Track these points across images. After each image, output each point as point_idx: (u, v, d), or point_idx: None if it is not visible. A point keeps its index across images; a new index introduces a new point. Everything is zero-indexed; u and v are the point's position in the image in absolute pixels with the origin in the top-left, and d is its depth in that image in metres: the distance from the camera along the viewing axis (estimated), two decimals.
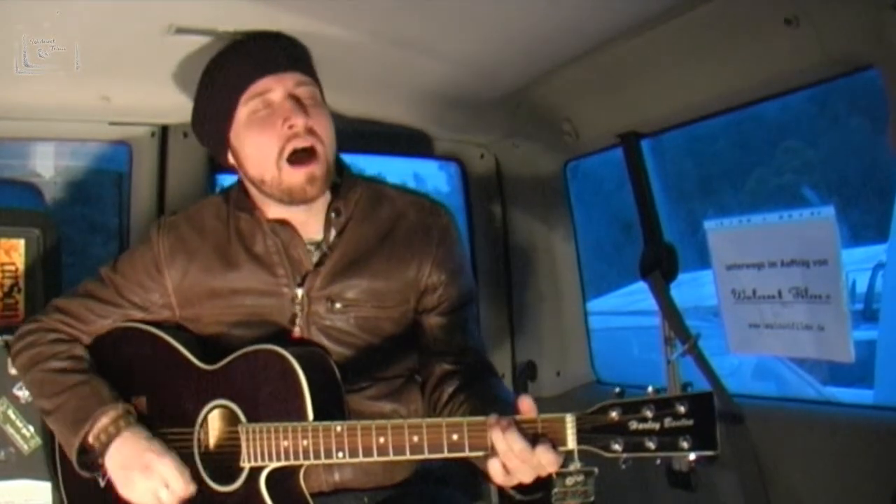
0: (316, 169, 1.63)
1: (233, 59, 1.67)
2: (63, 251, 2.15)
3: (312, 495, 1.59)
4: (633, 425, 1.33)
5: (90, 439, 1.62)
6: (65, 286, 2.02)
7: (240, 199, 1.74)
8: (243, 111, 1.65)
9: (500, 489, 1.50)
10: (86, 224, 2.71)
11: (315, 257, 1.70)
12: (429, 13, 1.73)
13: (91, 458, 1.64)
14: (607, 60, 1.96)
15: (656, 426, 1.32)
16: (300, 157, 1.62)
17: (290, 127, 1.61)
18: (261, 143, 1.64)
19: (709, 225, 2.11)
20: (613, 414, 1.35)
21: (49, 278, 2.09)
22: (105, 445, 1.60)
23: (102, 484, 1.66)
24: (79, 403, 1.64)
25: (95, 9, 1.62)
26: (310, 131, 1.63)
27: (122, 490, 1.60)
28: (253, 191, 1.72)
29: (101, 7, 1.62)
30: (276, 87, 1.63)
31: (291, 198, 1.65)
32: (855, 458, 1.82)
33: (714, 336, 2.20)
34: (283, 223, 1.69)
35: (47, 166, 2.54)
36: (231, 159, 1.72)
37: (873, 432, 1.83)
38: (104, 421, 1.62)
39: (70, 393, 1.66)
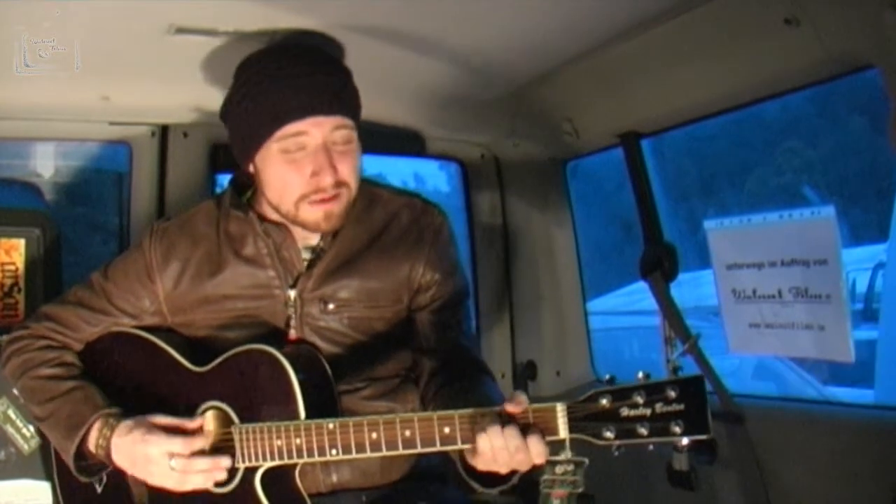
0: (335, 207, 1.62)
1: (276, 83, 1.58)
2: (63, 251, 2.15)
3: (310, 496, 1.59)
4: (625, 412, 1.33)
5: (91, 447, 1.61)
6: (65, 286, 2.02)
7: (234, 198, 1.73)
8: (275, 146, 1.60)
9: (465, 480, 1.50)
10: (86, 224, 2.71)
11: (307, 258, 1.70)
12: (429, 13, 1.73)
13: (93, 464, 1.63)
14: (607, 60, 1.96)
15: (648, 412, 1.32)
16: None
17: (318, 182, 1.59)
18: (286, 181, 1.61)
19: (709, 225, 2.11)
20: (604, 401, 1.35)
21: (49, 278, 2.09)
22: (107, 451, 1.59)
23: (100, 489, 1.67)
24: (73, 409, 1.63)
25: (95, 9, 1.62)
26: (336, 185, 1.61)
27: (149, 482, 1.59)
28: (257, 194, 1.71)
29: (101, 7, 1.62)
30: (313, 132, 1.58)
31: (304, 228, 1.65)
32: (855, 457, 1.82)
33: (715, 336, 2.19)
34: (278, 224, 1.69)
35: (47, 166, 2.54)
36: (251, 169, 1.68)
37: (874, 432, 1.83)
38: (96, 430, 1.60)
39: (62, 399, 1.65)
